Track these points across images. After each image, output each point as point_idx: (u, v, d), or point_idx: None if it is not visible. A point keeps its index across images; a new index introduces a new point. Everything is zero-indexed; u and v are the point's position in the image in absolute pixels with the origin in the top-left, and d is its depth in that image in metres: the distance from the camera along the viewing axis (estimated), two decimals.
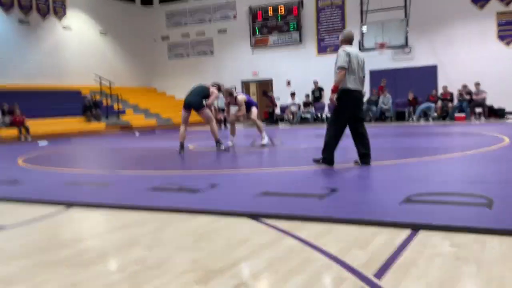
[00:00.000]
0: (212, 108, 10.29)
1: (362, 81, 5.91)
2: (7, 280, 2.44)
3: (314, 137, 11.39)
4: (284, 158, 7.75)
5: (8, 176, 6.29)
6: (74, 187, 5.23)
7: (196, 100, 8.61)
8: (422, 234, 2.91)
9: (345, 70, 5.67)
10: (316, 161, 5.98)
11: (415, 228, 3.03)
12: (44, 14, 19.74)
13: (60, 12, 20.43)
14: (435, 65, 18.81)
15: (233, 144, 9.30)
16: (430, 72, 18.79)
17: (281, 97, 21.10)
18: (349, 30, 6.27)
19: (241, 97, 9.36)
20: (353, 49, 5.87)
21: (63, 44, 20.54)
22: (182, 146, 8.57)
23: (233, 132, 9.56)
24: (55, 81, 19.84)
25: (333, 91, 5.75)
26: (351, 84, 5.72)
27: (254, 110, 9.39)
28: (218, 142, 8.81)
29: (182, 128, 8.71)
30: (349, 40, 5.97)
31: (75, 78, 20.72)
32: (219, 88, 9.23)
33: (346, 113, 5.79)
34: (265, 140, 9.20)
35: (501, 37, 17.86)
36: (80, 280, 2.39)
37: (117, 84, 21.16)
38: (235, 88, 22.18)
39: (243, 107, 9.25)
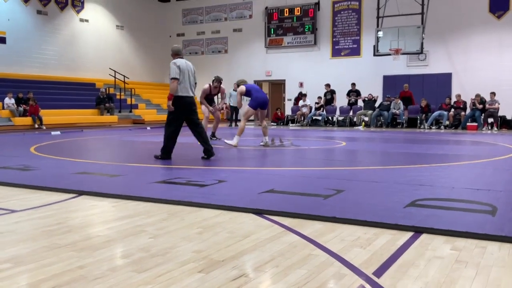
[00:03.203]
0: (224, 106, 10.63)
1: (192, 88, 6.80)
2: (14, 261, 2.51)
3: (323, 138, 11.42)
4: (292, 158, 7.79)
5: (20, 163, 6.41)
6: (84, 177, 5.32)
7: None
8: (424, 237, 2.94)
9: (177, 80, 6.57)
10: (156, 157, 6.83)
11: (418, 231, 3.06)
12: (62, 6, 19.97)
13: (78, 5, 20.65)
14: (450, 73, 18.72)
15: (265, 143, 9.08)
16: (444, 80, 18.70)
17: (293, 98, 21.19)
18: (177, 45, 7.17)
19: (241, 88, 8.92)
20: (182, 61, 6.75)
21: (79, 36, 20.76)
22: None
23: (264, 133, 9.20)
24: (70, 72, 20.07)
25: (169, 98, 6.70)
26: (182, 92, 6.63)
27: (246, 108, 8.98)
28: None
29: None
30: (178, 54, 6.84)
31: (90, 70, 20.94)
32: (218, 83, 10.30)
33: (179, 116, 6.71)
34: (232, 141, 8.81)
35: None
36: (86, 264, 2.46)
37: (131, 79, 21.34)
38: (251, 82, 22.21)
39: (226, 100, 10.35)
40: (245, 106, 9.26)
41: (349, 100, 19.16)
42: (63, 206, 3.91)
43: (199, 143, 6.99)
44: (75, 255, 2.61)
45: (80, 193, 4.36)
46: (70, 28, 20.35)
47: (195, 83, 6.92)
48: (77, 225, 3.33)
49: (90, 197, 4.24)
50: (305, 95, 19.68)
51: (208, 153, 6.83)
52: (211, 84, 10.25)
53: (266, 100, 8.96)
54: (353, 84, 19.15)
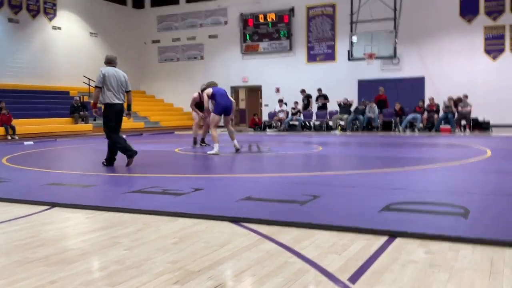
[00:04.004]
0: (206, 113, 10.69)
1: (121, 95, 7.00)
2: None
3: (300, 144, 11.48)
4: (270, 164, 7.80)
5: None
6: (57, 188, 5.22)
7: None
8: (398, 241, 2.97)
9: (100, 88, 6.85)
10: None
11: (392, 235, 3.09)
12: (34, 14, 19.66)
13: (50, 13, 20.36)
14: (423, 77, 19.07)
15: (236, 148, 8.96)
16: (417, 84, 19.04)
17: (270, 103, 21.25)
18: (110, 54, 7.37)
19: (208, 91, 8.88)
20: (111, 69, 6.96)
21: (52, 44, 20.46)
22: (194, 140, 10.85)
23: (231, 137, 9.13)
24: (43, 81, 19.74)
25: (92, 106, 7.19)
26: (112, 99, 6.88)
27: (211, 115, 8.90)
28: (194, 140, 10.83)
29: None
30: (109, 62, 7.07)
31: (64, 78, 20.64)
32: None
33: (113, 121, 6.96)
34: (213, 150, 8.62)
35: (488, 51, 18.18)
36: (58, 279, 2.41)
37: None
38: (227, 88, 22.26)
39: (207, 107, 9.11)
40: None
41: (318, 105, 19.28)
42: (36, 219, 3.82)
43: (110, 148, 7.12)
44: (47, 269, 2.55)
45: (53, 205, 4.28)
46: (42, 36, 20.04)
47: (128, 91, 7.12)
48: (50, 238, 3.26)
49: (63, 209, 4.16)
50: (281, 100, 19.76)
51: (130, 156, 6.96)
52: (200, 92, 10.38)
53: (230, 106, 8.87)
54: (319, 90, 19.27)
